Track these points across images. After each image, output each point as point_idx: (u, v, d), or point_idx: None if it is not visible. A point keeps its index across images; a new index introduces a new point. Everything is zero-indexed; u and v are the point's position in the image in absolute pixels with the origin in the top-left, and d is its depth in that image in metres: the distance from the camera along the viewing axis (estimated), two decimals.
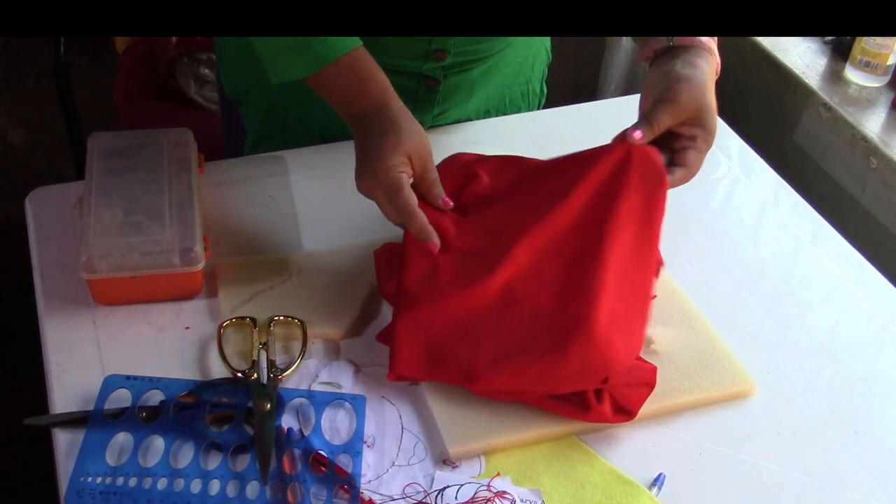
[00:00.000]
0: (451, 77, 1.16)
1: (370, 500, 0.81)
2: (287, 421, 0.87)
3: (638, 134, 0.94)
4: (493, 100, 1.25)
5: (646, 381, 0.88)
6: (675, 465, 0.86)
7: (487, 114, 1.26)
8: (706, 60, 0.97)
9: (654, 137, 0.95)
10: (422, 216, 0.93)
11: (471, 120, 1.24)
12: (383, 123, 0.94)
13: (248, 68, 1.20)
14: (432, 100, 1.16)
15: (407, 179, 0.93)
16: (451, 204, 0.98)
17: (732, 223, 1.14)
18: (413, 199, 0.93)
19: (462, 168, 1.03)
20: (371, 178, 0.93)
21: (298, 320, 0.95)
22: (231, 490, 0.81)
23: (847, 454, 0.89)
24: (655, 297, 0.96)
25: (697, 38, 0.97)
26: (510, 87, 1.25)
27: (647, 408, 0.89)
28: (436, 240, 0.94)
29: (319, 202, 1.11)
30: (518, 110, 1.28)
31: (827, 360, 0.98)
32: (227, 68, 1.25)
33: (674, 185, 0.96)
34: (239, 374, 0.89)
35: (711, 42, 0.98)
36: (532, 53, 1.25)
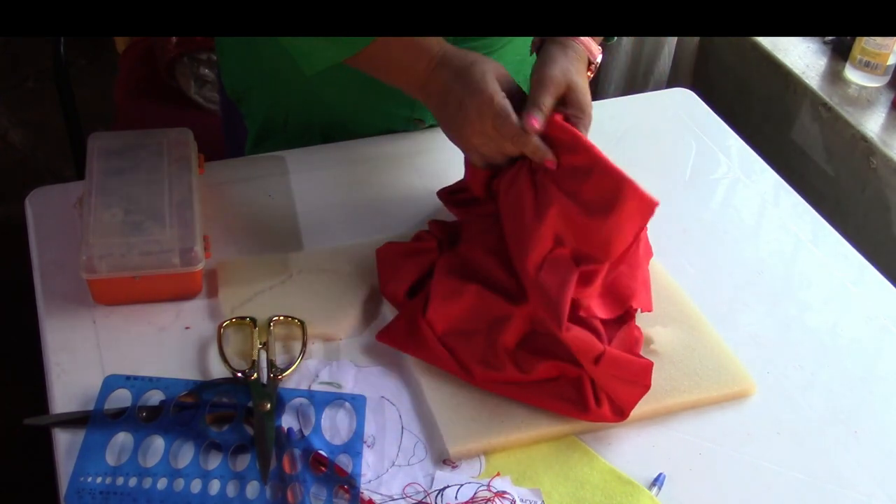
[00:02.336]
0: None
1: (370, 500, 0.81)
2: (287, 421, 0.87)
3: (535, 121, 0.92)
4: None
5: (640, 380, 0.88)
6: (675, 465, 0.86)
7: None
8: (571, 48, 0.97)
9: (545, 119, 0.93)
10: (534, 136, 0.91)
11: None
12: (457, 67, 0.93)
13: (250, 67, 1.20)
14: None
15: (509, 103, 0.91)
16: (539, 125, 0.92)
17: (732, 223, 1.14)
18: (520, 121, 0.91)
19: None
20: (477, 115, 0.91)
21: (298, 320, 0.95)
22: (231, 490, 0.81)
23: (847, 454, 0.89)
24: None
25: None
26: None
27: (647, 408, 0.89)
28: (551, 156, 0.92)
29: (319, 202, 1.11)
30: None
31: (827, 360, 0.98)
32: (229, 67, 1.25)
33: None
34: (239, 374, 0.89)
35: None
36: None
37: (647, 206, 0.90)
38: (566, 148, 0.92)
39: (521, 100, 0.94)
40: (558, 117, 0.92)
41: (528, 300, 0.94)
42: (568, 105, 0.94)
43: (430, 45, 0.94)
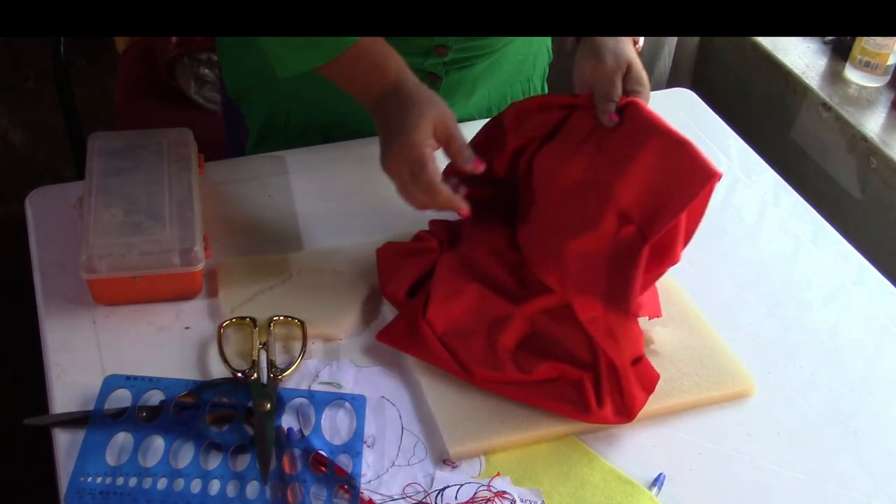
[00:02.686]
0: (452, 73, 1.16)
1: (370, 500, 0.81)
2: (287, 421, 0.87)
3: (615, 117, 0.94)
4: (494, 97, 1.25)
5: (648, 387, 0.88)
6: (675, 465, 0.86)
7: (489, 112, 1.26)
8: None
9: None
10: (446, 190, 0.92)
11: (473, 118, 1.24)
12: (403, 100, 0.94)
13: (251, 66, 1.20)
14: None
15: (431, 154, 0.92)
16: (482, 167, 0.95)
17: (732, 223, 1.14)
18: (438, 175, 0.92)
19: (492, 135, 1.02)
20: (398, 154, 0.93)
21: (298, 320, 0.95)
22: (231, 490, 0.81)
23: (847, 454, 0.89)
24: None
25: None
26: (512, 84, 1.25)
27: (647, 408, 0.89)
28: (464, 206, 0.94)
29: (319, 202, 1.11)
30: None
31: (827, 360, 0.98)
32: (230, 66, 1.25)
33: None
34: (239, 374, 0.89)
35: None
36: (533, 52, 1.25)
37: (706, 174, 0.87)
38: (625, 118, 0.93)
39: (459, 148, 0.94)
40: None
41: (530, 300, 0.94)
42: (626, 82, 0.96)
43: (390, 69, 0.95)
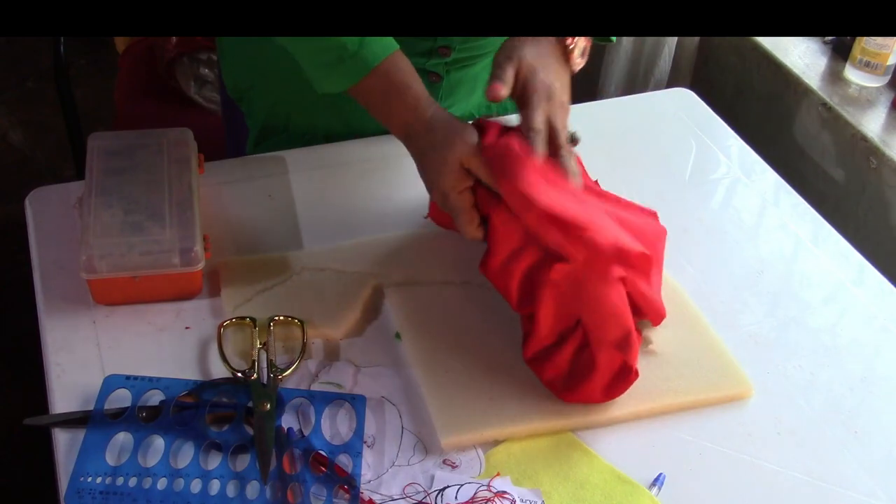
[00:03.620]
0: (453, 72, 1.16)
1: (370, 500, 0.81)
2: (287, 421, 0.87)
3: (500, 89, 0.94)
4: None
5: (622, 386, 0.89)
6: (675, 465, 0.86)
7: (489, 111, 1.26)
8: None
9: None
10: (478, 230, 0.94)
11: (474, 116, 1.24)
12: (424, 140, 0.94)
13: (251, 65, 1.20)
14: (435, 95, 1.16)
15: (467, 198, 0.93)
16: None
17: (732, 223, 1.14)
18: (476, 219, 0.93)
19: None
20: (437, 200, 0.95)
21: (298, 320, 0.95)
22: (231, 490, 0.81)
23: (847, 454, 0.89)
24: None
25: None
26: None
27: (645, 408, 0.89)
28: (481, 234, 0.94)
29: (319, 202, 1.11)
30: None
31: (827, 361, 0.98)
32: (230, 65, 1.25)
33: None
34: (239, 374, 0.89)
35: None
36: None
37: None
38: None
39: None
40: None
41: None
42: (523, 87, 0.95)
43: (408, 101, 0.95)
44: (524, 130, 0.93)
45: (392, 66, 0.95)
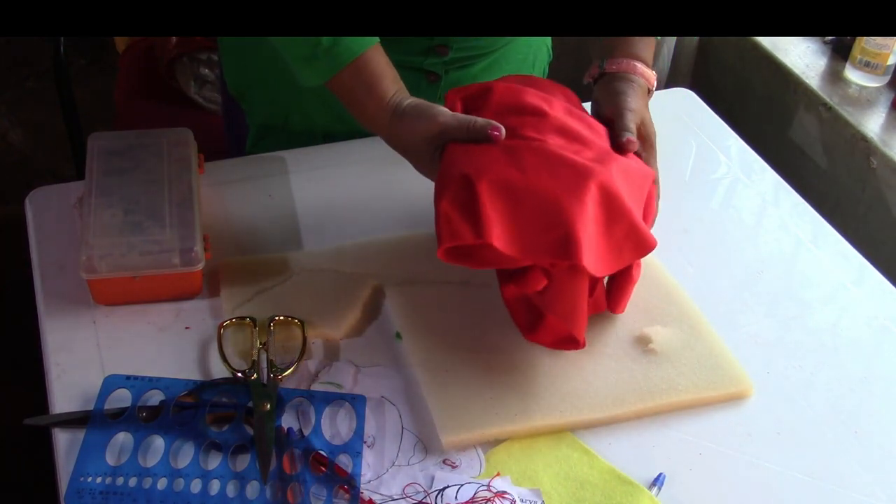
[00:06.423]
0: (452, 72, 1.16)
1: (370, 500, 0.81)
2: (287, 421, 0.87)
3: (632, 142, 0.96)
4: None
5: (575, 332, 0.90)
6: (675, 465, 0.86)
7: None
8: (635, 82, 1.03)
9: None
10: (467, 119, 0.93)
11: None
12: (394, 131, 0.96)
13: (251, 64, 1.21)
14: (433, 95, 1.17)
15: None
16: (503, 129, 0.92)
17: (732, 223, 1.14)
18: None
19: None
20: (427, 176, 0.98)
21: (298, 320, 0.95)
22: (231, 490, 0.81)
23: (847, 454, 0.89)
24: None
25: (624, 65, 1.03)
26: None
27: (646, 407, 0.89)
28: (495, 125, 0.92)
29: (319, 202, 1.11)
30: None
31: (827, 361, 0.98)
32: (230, 64, 1.25)
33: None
34: (239, 374, 0.89)
35: (638, 67, 1.03)
36: (533, 52, 1.25)
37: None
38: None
39: (469, 131, 0.92)
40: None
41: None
42: (638, 138, 0.98)
43: (383, 93, 0.96)
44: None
45: (364, 63, 0.96)
